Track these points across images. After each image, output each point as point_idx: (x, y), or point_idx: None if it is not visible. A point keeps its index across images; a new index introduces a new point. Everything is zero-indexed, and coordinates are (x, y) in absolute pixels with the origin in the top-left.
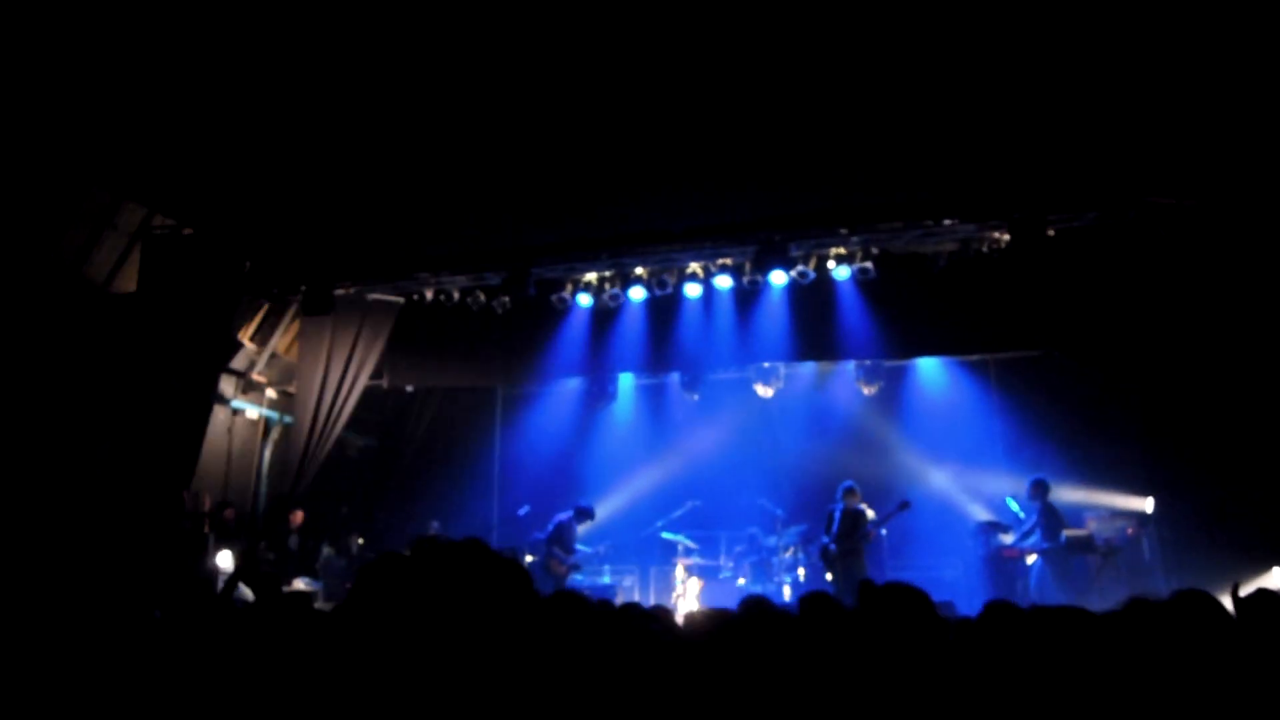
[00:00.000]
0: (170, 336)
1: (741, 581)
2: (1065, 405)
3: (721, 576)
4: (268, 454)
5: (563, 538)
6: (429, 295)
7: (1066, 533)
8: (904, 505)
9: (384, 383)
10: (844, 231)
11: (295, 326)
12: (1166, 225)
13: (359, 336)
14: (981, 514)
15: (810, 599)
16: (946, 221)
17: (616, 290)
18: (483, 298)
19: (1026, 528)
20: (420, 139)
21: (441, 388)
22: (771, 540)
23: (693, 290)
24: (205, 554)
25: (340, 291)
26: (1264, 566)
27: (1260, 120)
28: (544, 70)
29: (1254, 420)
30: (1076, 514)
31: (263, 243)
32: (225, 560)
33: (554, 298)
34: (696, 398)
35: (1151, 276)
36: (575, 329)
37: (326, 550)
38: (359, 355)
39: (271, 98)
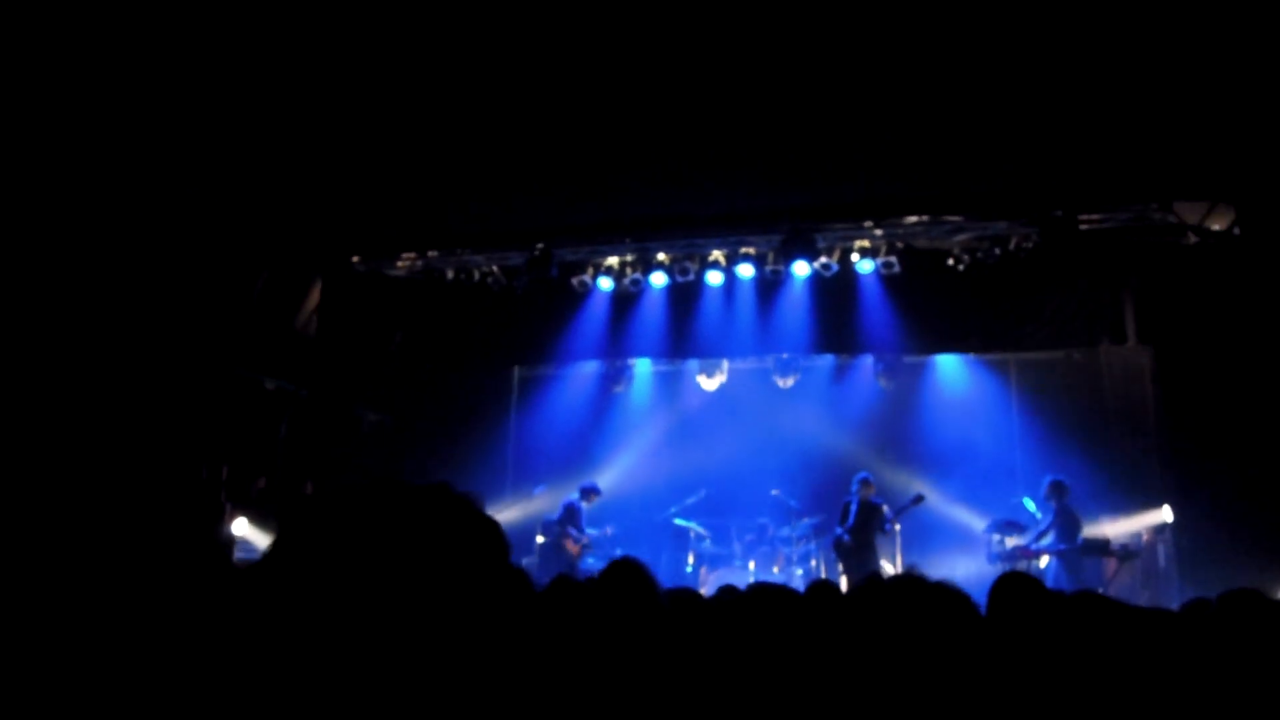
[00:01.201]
0: (191, 307)
1: (752, 566)
2: (1085, 407)
3: (734, 565)
4: (284, 427)
5: (572, 519)
6: (449, 274)
7: (1083, 535)
8: (919, 499)
9: (401, 359)
10: (869, 224)
11: (316, 300)
12: (1197, 233)
13: (378, 312)
14: (997, 513)
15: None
16: (974, 218)
17: (637, 275)
18: (504, 278)
19: (1042, 528)
20: (447, 116)
21: (457, 366)
22: (785, 531)
23: (714, 278)
24: (221, 522)
25: (361, 267)
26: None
27: None
28: (579, 51)
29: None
30: (1092, 517)
31: (284, 215)
32: (241, 529)
33: (574, 280)
34: (715, 385)
35: (1179, 283)
36: (594, 313)
37: None
38: (377, 331)
39: (297, 70)
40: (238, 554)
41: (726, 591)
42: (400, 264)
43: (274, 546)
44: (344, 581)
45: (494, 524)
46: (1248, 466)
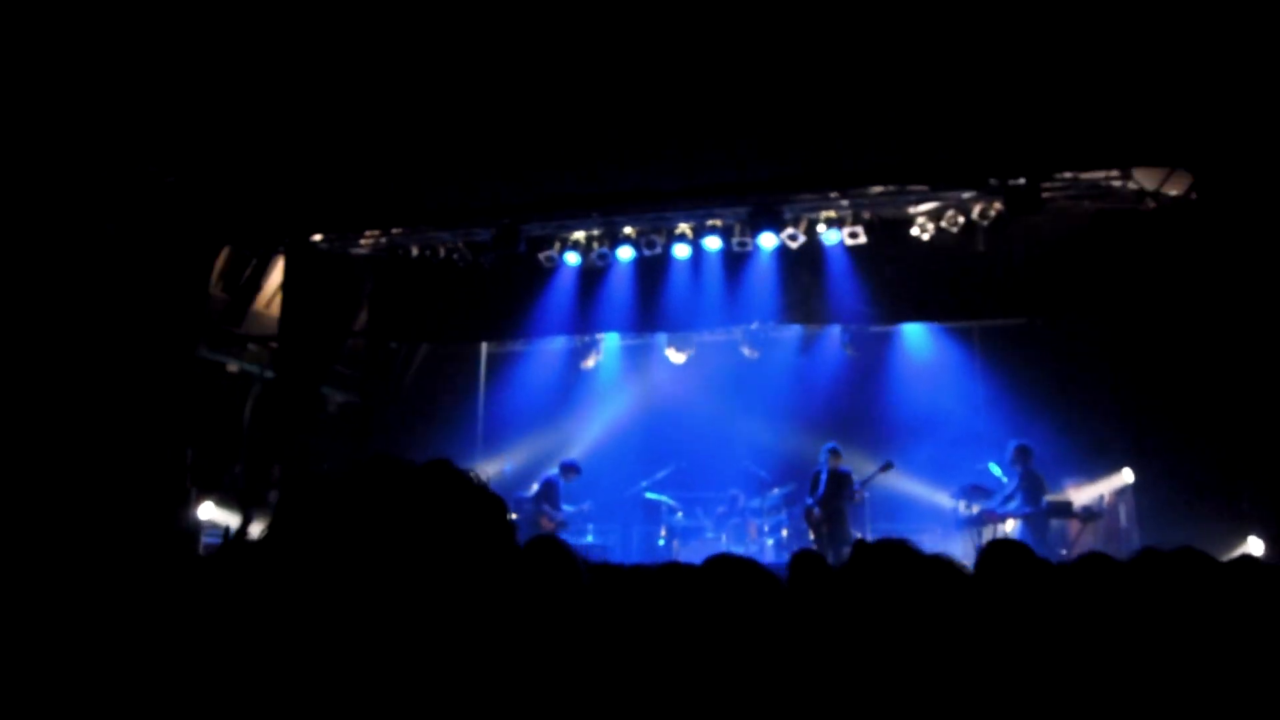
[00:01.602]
0: (149, 288)
1: (724, 539)
2: (1047, 374)
3: (706, 537)
4: (249, 409)
5: (550, 495)
6: (415, 251)
7: (1047, 498)
8: (887, 466)
9: (367, 338)
10: (835, 195)
11: (278, 279)
12: (1155, 199)
13: (342, 291)
14: (964, 478)
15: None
16: (938, 188)
17: (605, 249)
18: (470, 254)
19: (1008, 492)
20: (409, 91)
21: (425, 344)
22: (755, 502)
23: (681, 251)
24: (186, 507)
25: (324, 245)
26: (1239, 537)
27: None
28: (544, 27)
29: (1234, 394)
30: (1056, 480)
31: (244, 194)
32: (208, 513)
33: (541, 256)
34: (684, 358)
35: (1139, 249)
36: (562, 287)
37: None
38: (342, 310)
39: (256, 45)
40: (205, 538)
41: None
42: (364, 241)
43: (275, 527)
44: (350, 564)
45: (499, 500)
46: (1203, 428)
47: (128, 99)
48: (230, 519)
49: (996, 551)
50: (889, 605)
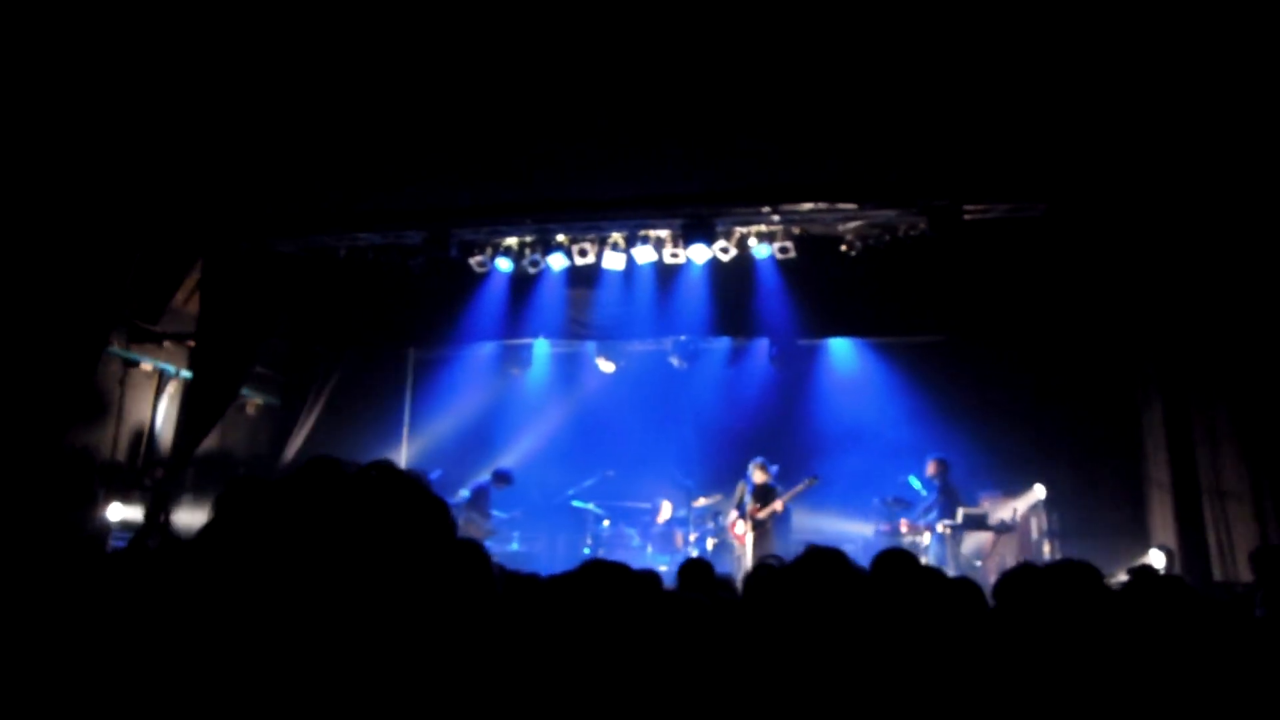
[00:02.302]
0: (62, 285)
1: (650, 550)
2: (966, 390)
3: (632, 546)
4: (162, 408)
5: (481, 502)
6: (342, 252)
7: (963, 511)
8: (812, 480)
9: (290, 340)
10: (767, 210)
11: (197, 278)
12: (1072, 222)
13: (265, 291)
14: (886, 490)
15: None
16: (866, 206)
17: (537, 256)
18: (399, 257)
19: (926, 504)
20: (339, 90)
21: (350, 347)
22: (682, 512)
23: (613, 260)
24: (94, 507)
25: (246, 244)
26: (1143, 549)
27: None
28: (479, 30)
29: (1140, 410)
30: (973, 494)
31: (163, 191)
32: (117, 514)
33: (472, 261)
34: (613, 368)
35: (1048, 272)
36: (493, 293)
37: None
38: (264, 310)
39: (179, 37)
40: (113, 541)
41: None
42: (289, 241)
43: (209, 530)
44: (288, 567)
45: (441, 503)
46: (1110, 445)
47: (42, 100)
48: (139, 519)
49: (888, 560)
50: (782, 610)
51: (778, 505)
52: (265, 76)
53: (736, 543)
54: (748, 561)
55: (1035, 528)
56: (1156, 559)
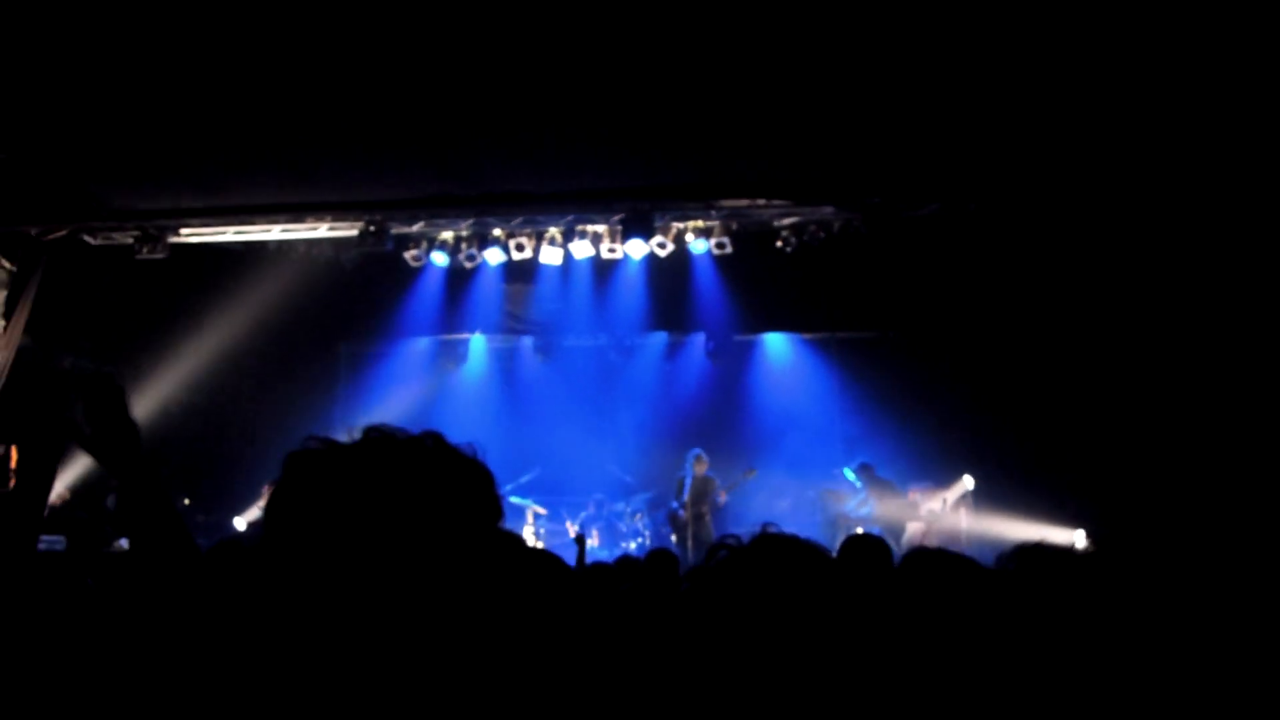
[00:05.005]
0: None
1: (590, 546)
2: (898, 384)
3: (569, 540)
4: (79, 407)
5: None
6: (271, 245)
7: (895, 502)
8: (750, 472)
9: (215, 335)
10: (704, 205)
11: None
12: (1000, 221)
13: (189, 284)
14: (823, 482)
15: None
16: (802, 203)
17: (473, 251)
18: (331, 251)
19: (861, 497)
20: (269, 76)
21: (278, 344)
22: (620, 506)
23: (551, 256)
24: None
25: (155, 231)
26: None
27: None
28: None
29: (1065, 404)
30: (903, 485)
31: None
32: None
33: (407, 255)
34: (550, 362)
35: (983, 267)
36: (428, 288)
37: None
38: (187, 303)
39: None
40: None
41: None
42: (205, 232)
43: (272, 510)
44: (354, 549)
45: (485, 469)
46: (1034, 437)
47: None
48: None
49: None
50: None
51: (718, 497)
52: (195, 67)
53: (676, 535)
54: (689, 554)
55: (963, 517)
56: (1080, 540)
